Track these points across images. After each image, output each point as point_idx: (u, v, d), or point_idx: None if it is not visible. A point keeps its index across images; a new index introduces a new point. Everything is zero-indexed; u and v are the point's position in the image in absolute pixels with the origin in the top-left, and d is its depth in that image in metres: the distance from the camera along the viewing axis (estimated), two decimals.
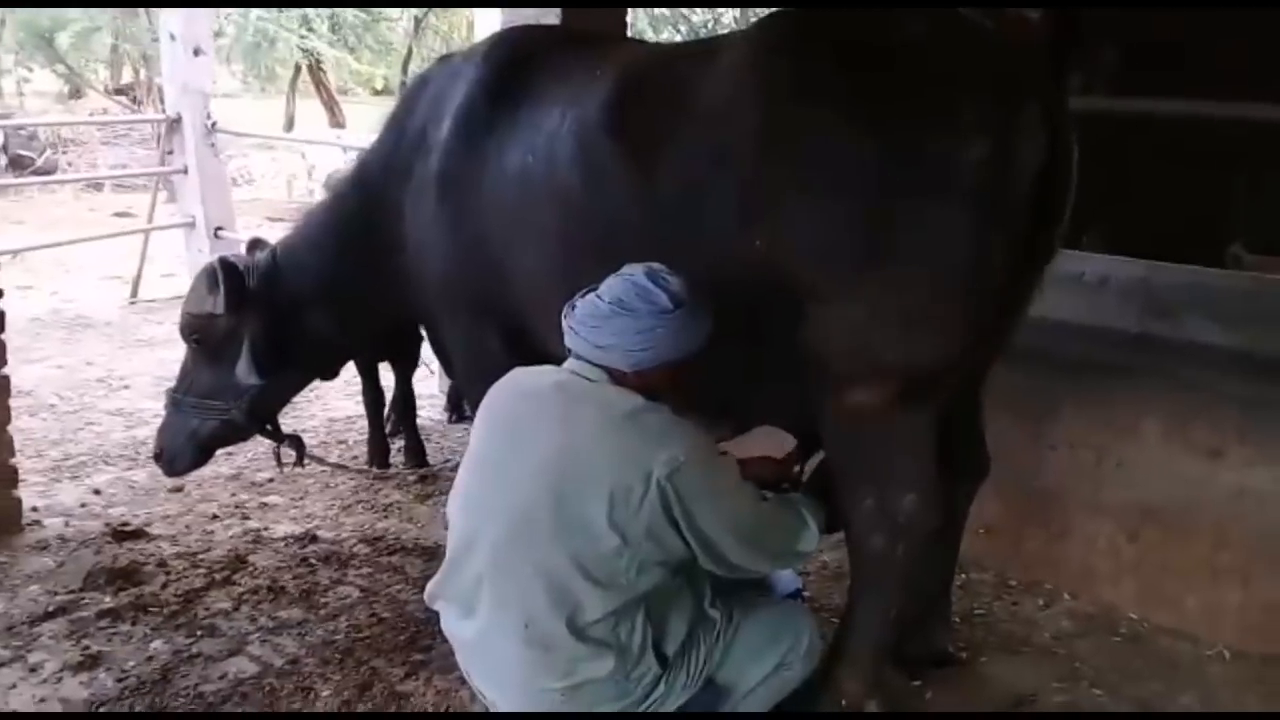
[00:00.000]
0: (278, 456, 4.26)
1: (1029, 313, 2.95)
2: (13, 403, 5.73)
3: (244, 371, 3.87)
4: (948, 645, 3.47)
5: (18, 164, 10.98)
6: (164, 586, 3.84)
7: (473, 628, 2.60)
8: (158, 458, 4.18)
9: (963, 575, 4.01)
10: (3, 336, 4.17)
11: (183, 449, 4.11)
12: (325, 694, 3.23)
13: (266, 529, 4.36)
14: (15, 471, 4.29)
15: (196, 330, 3.99)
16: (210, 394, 4.03)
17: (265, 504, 4.63)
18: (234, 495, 4.71)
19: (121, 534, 4.22)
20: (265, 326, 3.93)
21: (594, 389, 2.53)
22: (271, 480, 4.86)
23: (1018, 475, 4.00)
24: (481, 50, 3.60)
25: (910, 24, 2.66)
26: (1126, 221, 5.85)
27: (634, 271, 2.55)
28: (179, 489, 4.73)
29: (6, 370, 4.24)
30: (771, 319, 2.72)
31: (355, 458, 5.18)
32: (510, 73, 3.38)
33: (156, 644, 3.49)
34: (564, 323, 2.57)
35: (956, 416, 3.04)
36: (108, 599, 3.75)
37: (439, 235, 3.44)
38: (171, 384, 4.22)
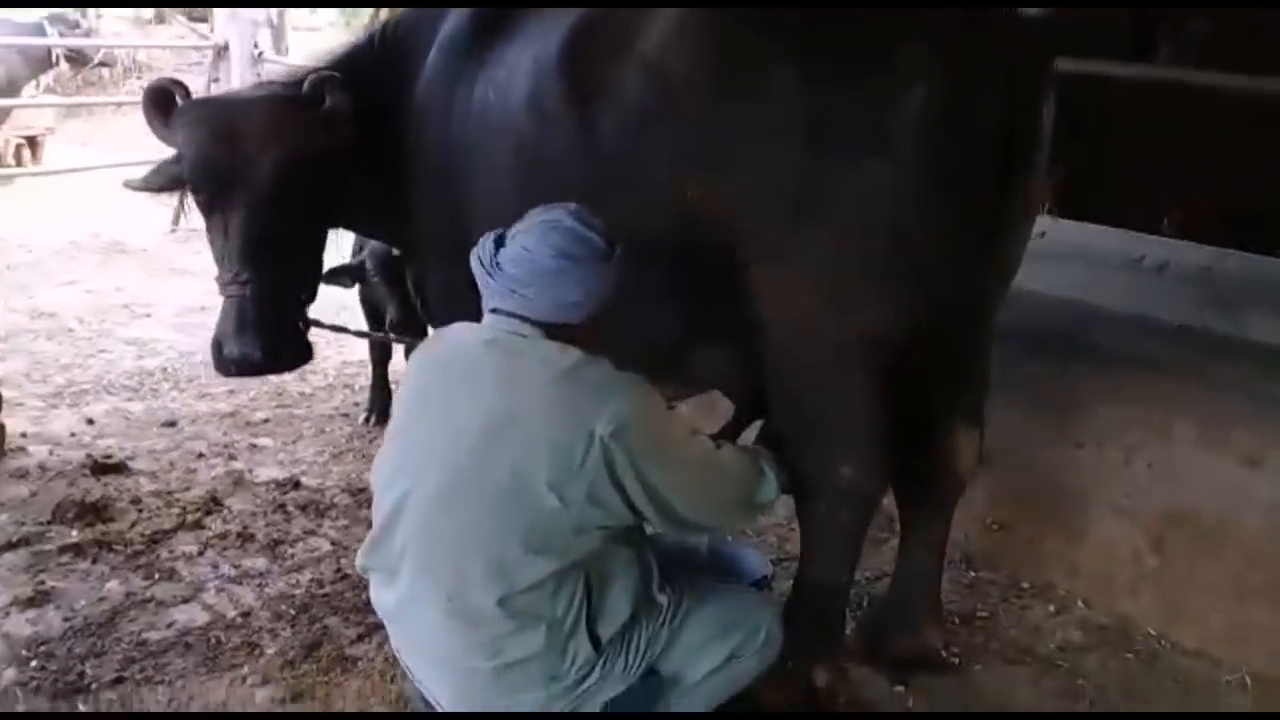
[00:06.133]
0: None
1: (1031, 286, 2.95)
2: (34, 325, 5.80)
3: None
4: (939, 647, 3.20)
5: (77, 60, 10.88)
6: (133, 525, 3.73)
7: (394, 597, 2.42)
8: None
9: (971, 573, 3.74)
10: None
11: None
12: (270, 651, 3.09)
13: (250, 471, 4.23)
14: None
15: None
16: None
17: (255, 445, 4.50)
18: (226, 434, 4.59)
19: (102, 467, 4.12)
20: None
21: (529, 345, 2.32)
22: (267, 421, 4.74)
23: (1038, 471, 3.71)
24: None
25: None
26: (1212, 206, 5.45)
27: (560, 217, 2.33)
28: (172, 423, 4.63)
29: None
30: (708, 276, 2.64)
31: (357, 404, 5.02)
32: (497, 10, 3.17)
33: (112, 584, 3.38)
34: (489, 281, 2.34)
35: (940, 394, 2.91)
36: (74, 533, 3.65)
37: (418, 163, 3.24)
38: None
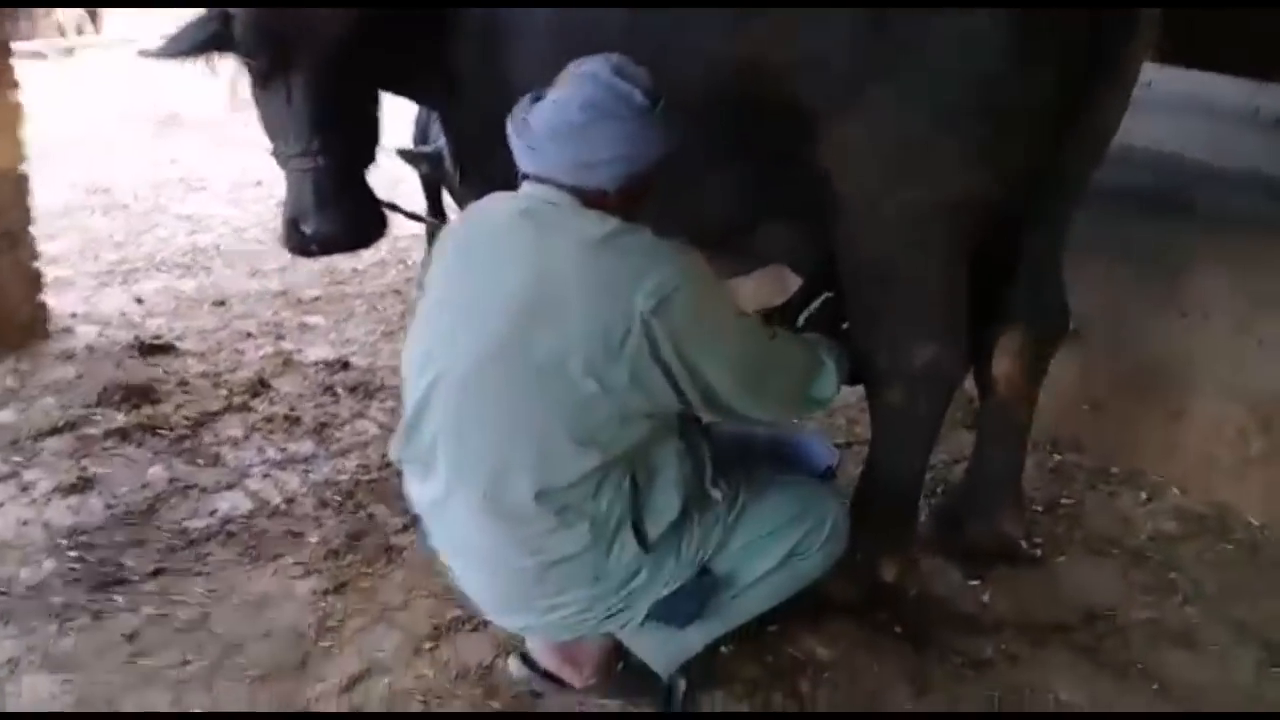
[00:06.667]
0: None
1: (1134, 140, 2.70)
2: (90, 200, 5.69)
3: None
4: (1019, 537, 2.97)
5: None
6: (178, 408, 3.63)
7: (430, 492, 2.26)
8: None
9: (1055, 456, 3.49)
10: (20, 133, 3.88)
11: None
12: (313, 540, 2.99)
13: (299, 351, 4.11)
14: (39, 276, 4.10)
15: None
16: None
17: (305, 324, 4.37)
18: (276, 313, 4.46)
19: (150, 348, 4.03)
20: None
21: (562, 214, 2.07)
22: (318, 299, 4.59)
23: (1135, 343, 3.40)
24: None
25: None
26: None
27: (595, 69, 2.06)
28: (222, 302, 4.51)
29: (24, 168, 3.94)
30: (768, 137, 2.35)
31: (409, 280, 4.85)
32: None
33: (155, 470, 3.29)
34: (517, 141, 2.10)
35: (1022, 261, 2.65)
36: (120, 416, 3.57)
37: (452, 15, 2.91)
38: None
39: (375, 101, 3.08)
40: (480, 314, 2.09)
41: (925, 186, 2.31)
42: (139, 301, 4.51)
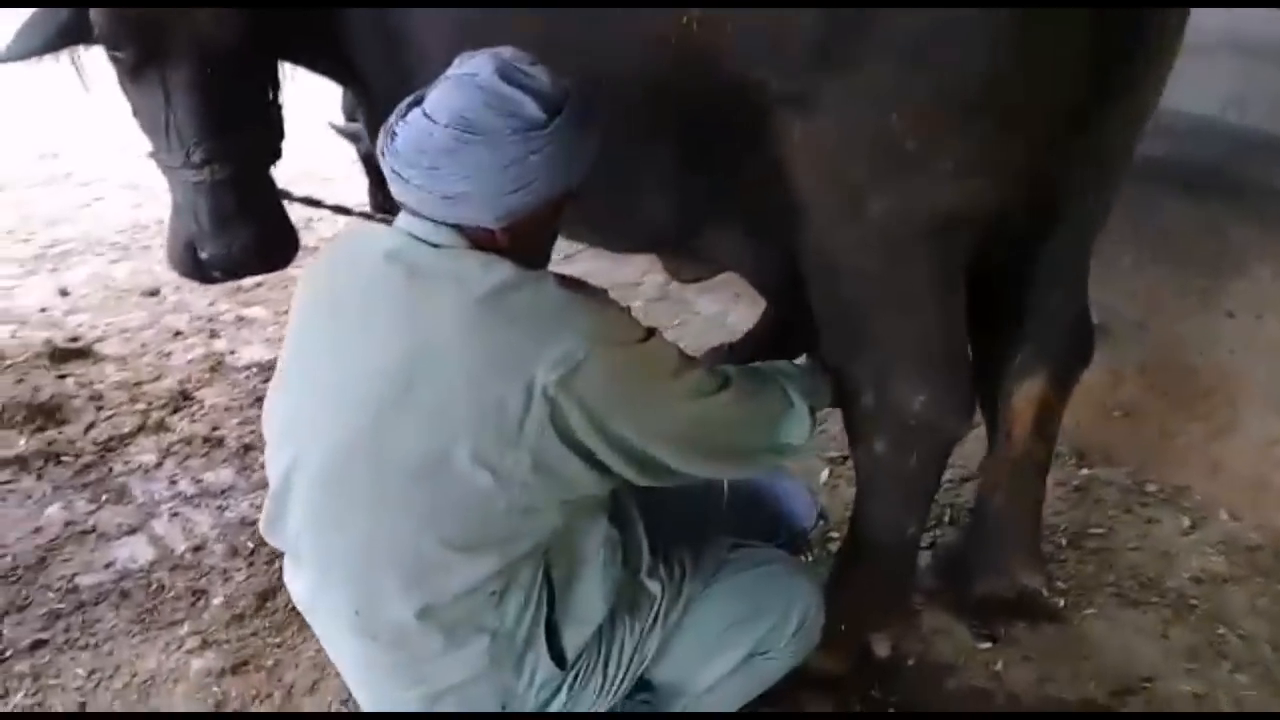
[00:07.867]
0: None
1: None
2: (35, 169, 5.23)
3: None
4: (1038, 585, 2.52)
5: None
6: (88, 429, 3.23)
7: (304, 591, 1.84)
8: None
9: (1082, 470, 3.02)
10: None
11: None
12: (216, 602, 2.60)
13: (233, 352, 3.68)
14: None
15: None
16: None
17: (243, 318, 3.93)
18: (212, 304, 4.01)
19: (65, 354, 3.60)
20: None
21: (442, 259, 1.61)
22: (260, 285, 4.12)
23: (1175, 346, 2.93)
24: None
25: None
26: None
27: (476, 70, 1.58)
28: (154, 292, 4.08)
29: None
30: (720, 138, 1.92)
31: None
32: None
33: (53, 509, 2.91)
34: (382, 162, 1.63)
35: (1039, 281, 2.17)
36: (22, 441, 3.17)
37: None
38: None
39: (275, 86, 2.63)
40: (341, 393, 1.65)
41: (909, 192, 1.81)
42: (64, 294, 4.07)
